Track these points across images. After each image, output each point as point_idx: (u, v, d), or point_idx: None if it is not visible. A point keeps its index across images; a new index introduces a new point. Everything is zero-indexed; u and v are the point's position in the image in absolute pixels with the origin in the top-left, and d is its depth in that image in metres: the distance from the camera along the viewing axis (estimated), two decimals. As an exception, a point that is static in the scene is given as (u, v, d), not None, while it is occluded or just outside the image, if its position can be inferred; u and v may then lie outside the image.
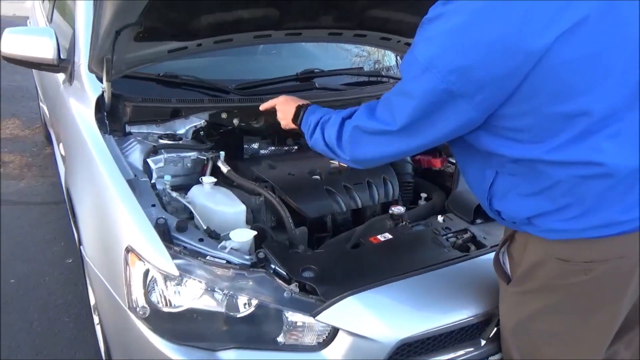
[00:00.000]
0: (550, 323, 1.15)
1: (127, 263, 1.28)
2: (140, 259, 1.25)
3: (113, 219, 1.38)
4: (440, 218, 1.59)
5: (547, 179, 1.02)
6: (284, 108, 1.54)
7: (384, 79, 2.36)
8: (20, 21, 4.75)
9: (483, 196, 1.16)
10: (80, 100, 1.86)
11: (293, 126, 1.48)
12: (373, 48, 2.64)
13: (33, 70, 3.68)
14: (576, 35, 0.92)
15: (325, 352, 1.23)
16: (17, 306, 2.19)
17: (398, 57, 2.63)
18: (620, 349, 1.30)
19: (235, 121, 1.91)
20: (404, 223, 1.56)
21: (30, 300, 2.23)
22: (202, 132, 1.85)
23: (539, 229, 1.09)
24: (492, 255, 1.43)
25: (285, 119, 1.52)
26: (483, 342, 1.37)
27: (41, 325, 2.10)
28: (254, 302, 1.24)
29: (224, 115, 1.88)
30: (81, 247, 1.58)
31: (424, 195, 1.83)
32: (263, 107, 1.66)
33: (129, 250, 1.28)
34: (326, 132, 1.27)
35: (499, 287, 1.33)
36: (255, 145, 2.06)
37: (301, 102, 1.49)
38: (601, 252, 1.06)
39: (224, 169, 1.67)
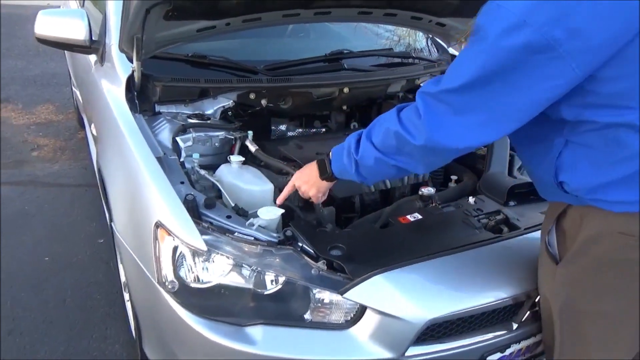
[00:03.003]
0: (599, 302, 1.10)
1: (156, 238, 1.30)
2: (169, 234, 1.26)
3: (143, 196, 1.40)
4: (471, 199, 1.55)
5: (626, 148, 0.97)
6: (303, 175, 1.37)
7: (415, 61, 2.31)
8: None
9: (548, 167, 1.10)
10: (111, 80, 1.88)
11: (325, 188, 1.34)
12: (403, 30, 2.59)
13: (66, 55, 3.77)
14: None
15: (352, 330, 1.22)
16: (51, 283, 2.25)
17: (428, 38, 2.57)
18: None
19: (264, 102, 1.90)
20: (433, 204, 1.53)
21: (63, 278, 2.29)
22: (230, 112, 1.85)
23: (605, 201, 1.03)
24: (525, 237, 1.40)
25: (312, 183, 1.34)
26: (515, 326, 1.33)
27: (74, 302, 2.16)
28: (281, 279, 1.24)
29: (252, 96, 1.87)
30: (112, 223, 1.60)
31: (454, 177, 1.79)
32: (280, 199, 1.43)
33: (158, 225, 1.29)
34: (375, 136, 1.15)
35: (532, 270, 1.29)
36: (283, 127, 2.05)
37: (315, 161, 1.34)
38: None
39: (252, 148, 1.67)
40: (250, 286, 1.25)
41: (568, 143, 1.05)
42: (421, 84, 2.24)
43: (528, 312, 1.32)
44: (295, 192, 1.58)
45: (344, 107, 2.14)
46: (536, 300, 1.32)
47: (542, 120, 1.04)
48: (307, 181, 1.35)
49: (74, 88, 3.56)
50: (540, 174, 1.15)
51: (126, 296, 1.90)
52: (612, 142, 0.99)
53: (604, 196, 1.03)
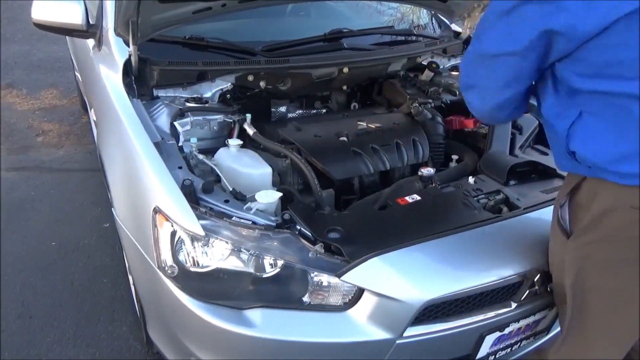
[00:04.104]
0: (607, 277, 1.10)
1: (155, 224, 1.30)
2: (167, 220, 1.27)
3: (141, 181, 1.40)
4: (471, 179, 1.53)
5: (637, 120, 0.96)
6: None
7: (416, 38, 2.27)
8: None
9: (561, 136, 1.09)
10: (109, 65, 1.87)
11: None
12: (404, 7, 2.54)
13: (67, 39, 3.75)
14: None
15: (350, 312, 1.23)
16: (59, 267, 2.29)
17: (431, 15, 2.52)
18: None
19: (262, 84, 1.88)
20: (433, 185, 1.52)
21: (70, 262, 2.32)
22: (228, 95, 1.84)
23: (618, 173, 1.02)
24: (525, 217, 1.39)
25: None
26: (514, 305, 1.33)
27: (82, 286, 2.19)
28: (280, 262, 1.24)
29: (250, 78, 1.85)
30: (112, 209, 1.61)
31: (455, 157, 1.77)
32: None
33: (156, 211, 1.30)
34: None
35: (531, 249, 1.29)
36: (283, 109, 2.04)
37: None
38: None
39: (250, 131, 1.66)
40: (249, 270, 1.26)
41: (582, 113, 1.03)
42: (422, 62, 2.21)
43: (527, 291, 1.32)
44: (293, 174, 1.59)
45: (344, 87, 2.11)
46: (535, 279, 1.31)
47: (557, 89, 1.04)
48: None
49: (76, 72, 3.55)
50: (556, 142, 1.14)
51: (131, 280, 1.92)
52: (623, 113, 0.97)
53: (616, 168, 1.02)
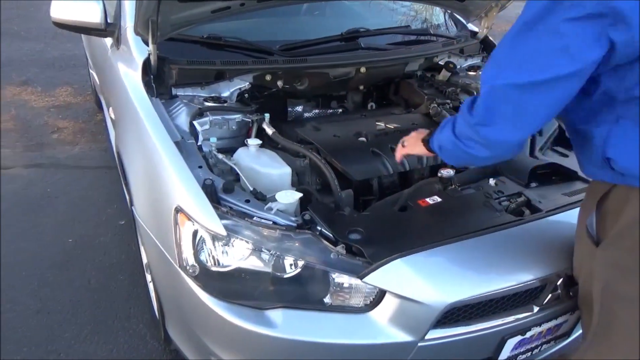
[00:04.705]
0: (635, 287, 1.08)
1: (176, 223, 1.31)
2: (189, 219, 1.27)
3: (162, 181, 1.41)
4: (492, 181, 1.52)
5: None
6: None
7: (433, 38, 2.25)
8: None
9: (596, 143, 1.07)
10: (128, 63, 1.88)
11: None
12: (420, 6, 2.52)
13: (82, 38, 3.78)
14: None
15: (372, 313, 1.23)
16: (76, 264, 2.30)
17: (446, 14, 2.51)
18: None
19: (279, 83, 1.88)
20: (453, 186, 1.51)
21: (87, 259, 2.34)
22: (246, 95, 1.84)
23: None
24: (547, 220, 1.38)
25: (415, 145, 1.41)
26: (536, 309, 1.32)
27: (98, 283, 2.21)
28: (300, 263, 1.24)
29: (268, 78, 1.85)
30: (132, 207, 1.62)
31: (474, 158, 1.75)
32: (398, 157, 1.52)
33: (178, 210, 1.30)
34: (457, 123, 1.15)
35: (555, 253, 1.28)
36: (299, 108, 2.04)
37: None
38: None
39: (269, 131, 1.66)
40: (270, 270, 1.26)
41: (619, 119, 1.02)
42: (439, 62, 2.20)
43: (549, 295, 1.31)
44: (311, 174, 1.58)
45: (361, 87, 2.11)
46: (558, 283, 1.30)
47: (594, 95, 1.02)
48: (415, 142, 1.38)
49: (91, 70, 3.58)
50: (587, 149, 1.12)
51: (148, 277, 1.94)
52: None
53: None
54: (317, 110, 2.07)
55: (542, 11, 0.93)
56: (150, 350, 1.91)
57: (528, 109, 1.00)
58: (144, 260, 1.97)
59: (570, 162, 1.61)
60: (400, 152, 1.47)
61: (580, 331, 1.41)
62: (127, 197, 2.06)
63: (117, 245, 2.44)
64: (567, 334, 1.48)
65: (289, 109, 2.00)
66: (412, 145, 1.41)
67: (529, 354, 1.42)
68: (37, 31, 5.58)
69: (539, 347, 1.43)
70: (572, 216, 1.30)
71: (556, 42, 0.92)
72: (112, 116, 2.04)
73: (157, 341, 1.93)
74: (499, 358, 1.36)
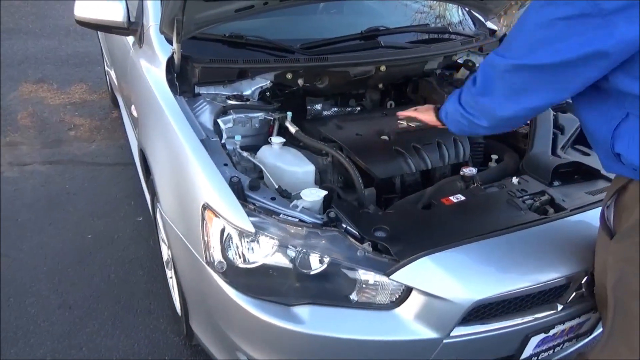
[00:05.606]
0: None
1: (204, 220, 1.33)
2: (217, 216, 1.29)
3: (189, 178, 1.43)
4: (515, 180, 1.53)
5: None
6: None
7: (452, 36, 2.26)
8: None
9: (605, 137, 1.09)
10: (151, 62, 1.90)
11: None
12: (439, 4, 2.52)
13: (99, 36, 3.81)
14: None
15: (398, 310, 1.24)
16: (96, 259, 2.34)
17: (464, 12, 2.50)
18: None
19: (300, 81, 1.89)
20: (475, 185, 1.51)
21: (106, 255, 2.37)
22: (267, 93, 1.86)
23: None
24: (571, 218, 1.38)
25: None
26: (560, 307, 1.33)
27: (118, 278, 2.24)
28: (327, 260, 1.25)
29: (289, 76, 1.86)
30: (158, 204, 1.64)
31: (494, 156, 1.76)
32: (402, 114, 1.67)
33: (205, 207, 1.32)
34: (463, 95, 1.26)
35: (579, 252, 1.28)
36: (319, 106, 2.05)
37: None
38: None
39: (292, 129, 1.67)
40: (295, 267, 1.27)
41: (629, 115, 1.03)
42: (458, 60, 2.20)
43: (574, 294, 1.32)
44: (333, 172, 1.60)
45: (380, 86, 2.11)
46: (582, 281, 1.31)
47: (604, 91, 1.02)
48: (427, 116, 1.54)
49: (107, 68, 3.60)
50: (601, 144, 1.13)
51: (169, 273, 1.96)
52: None
53: None
54: (335, 109, 2.08)
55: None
56: (171, 345, 1.94)
57: (519, 87, 1.09)
58: (164, 257, 2.00)
59: (592, 160, 1.61)
60: (407, 113, 1.61)
61: (601, 329, 1.41)
62: (148, 194, 2.09)
63: (136, 241, 2.47)
64: (589, 331, 1.48)
65: (308, 107, 2.01)
66: (423, 112, 1.56)
67: (551, 351, 1.43)
68: (50, 29, 5.63)
69: (561, 345, 1.44)
70: (595, 215, 1.30)
71: (545, 32, 1.00)
72: (135, 114, 2.06)
73: (178, 336, 1.95)
74: (522, 355, 1.36)
